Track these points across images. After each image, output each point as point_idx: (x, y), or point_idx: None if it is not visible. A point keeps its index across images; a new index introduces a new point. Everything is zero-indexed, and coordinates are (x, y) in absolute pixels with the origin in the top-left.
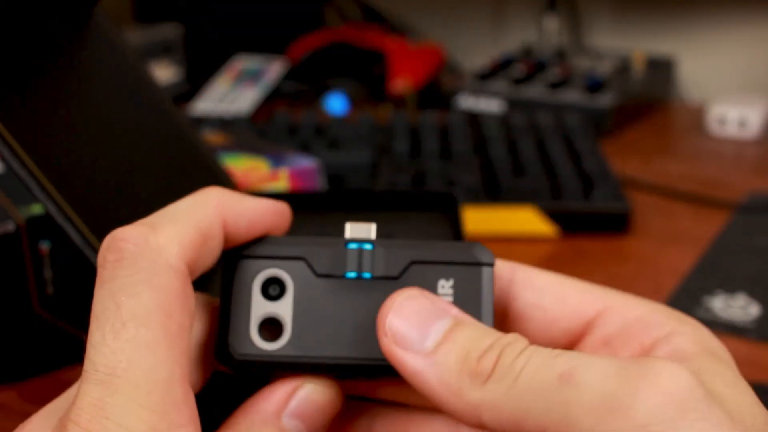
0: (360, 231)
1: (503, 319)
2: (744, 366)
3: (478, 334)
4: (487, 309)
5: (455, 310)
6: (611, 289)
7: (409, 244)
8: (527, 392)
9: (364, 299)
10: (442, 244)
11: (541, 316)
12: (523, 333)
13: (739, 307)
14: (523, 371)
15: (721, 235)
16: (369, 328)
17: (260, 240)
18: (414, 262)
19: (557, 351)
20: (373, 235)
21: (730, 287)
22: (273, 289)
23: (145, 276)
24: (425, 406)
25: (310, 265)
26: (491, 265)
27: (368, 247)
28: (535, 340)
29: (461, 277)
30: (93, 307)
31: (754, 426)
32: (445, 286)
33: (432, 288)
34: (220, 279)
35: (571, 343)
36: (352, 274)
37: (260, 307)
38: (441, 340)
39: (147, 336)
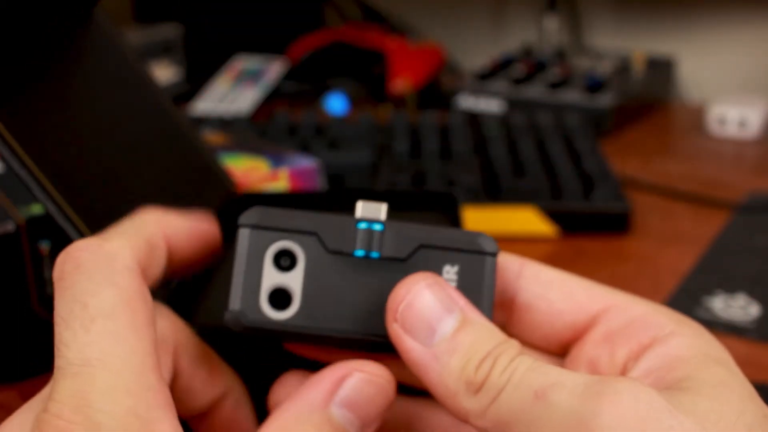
0: (371, 211)
1: (510, 309)
2: (744, 366)
3: (481, 338)
4: (487, 297)
5: (462, 302)
6: (616, 289)
7: (419, 228)
8: (508, 407)
9: (371, 278)
10: (450, 231)
11: (546, 308)
12: (528, 323)
13: (739, 307)
14: (507, 385)
15: (721, 235)
16: (373, 306)
17: (276, 211)
18: (422, 246)
19: (538, 363)
20: (383, 216)
21: (730, 287)
22: (284, 261)
23: (104, 276)
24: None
25: (321, 241)
26: (495, 255)
27: (378, 227)
28: (539, 331)
29: (466, 264)
30: (57, 312)
31: (739, 421)
32: (450, 271)
33: (437, 272)
34: (234, 246)
35: (574, 336)
36: (360, 253)
37: (271, 277)
38: (448, 339)
39: (116, 327)
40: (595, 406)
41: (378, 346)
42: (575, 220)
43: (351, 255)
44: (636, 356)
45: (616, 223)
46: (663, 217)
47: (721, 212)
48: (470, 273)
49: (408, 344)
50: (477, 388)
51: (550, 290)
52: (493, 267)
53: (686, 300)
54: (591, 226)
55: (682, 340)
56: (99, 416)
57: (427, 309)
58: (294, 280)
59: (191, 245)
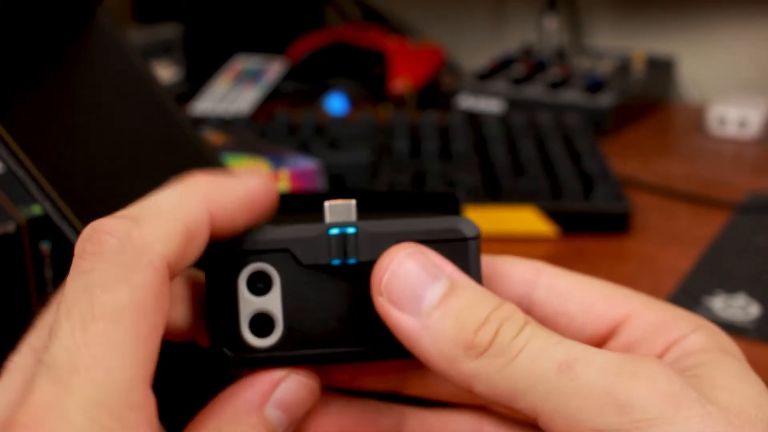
0: (340, 213)
1: None
2: None
3: (474, 301)
4: (476, 280)
5: (450, 268)
6: (635, 293)
7: (393, 223)
8: (524, 374)
9: (351, 285)
10: (426, 221)
11: (567, 324)
12: None
13: (739, 307)
14: (521, 353)
15: (721, 235)
16: (360, 315)
17: (240, 234)
18: (400, 242)
19: (557, 337)
20: (353, 217)
21: (730, 287)
22: (259, 284)
23: (123, 271)
24: (451, 399)
25: (294, 256)
26: (477, 238)
27: (351, 230)
28: None
29: (448, 252)
30: (64, 296)
31: (758, 417)
32: None
33: None
34: (205, 279)
35: (595, 346)
36: (337, 262)
37: (249, 304)
38: (436, 304)
39: (116, 335)
40: (629, 385)
41: (370, 356)
42: (575, 220)
43: (327, 265)
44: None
45: (616, 223)
46: (663, 217)
47: (721, 212)
48: (455, 261)
49: (396, 317)
50: (480, 352)
51: (568, 304)
52: (477, 250)
53: (686, 300)
54: (591, 226)
55: (697, 337)
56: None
57: (412, 277)
58: (273, 303)
59: (242, 215)
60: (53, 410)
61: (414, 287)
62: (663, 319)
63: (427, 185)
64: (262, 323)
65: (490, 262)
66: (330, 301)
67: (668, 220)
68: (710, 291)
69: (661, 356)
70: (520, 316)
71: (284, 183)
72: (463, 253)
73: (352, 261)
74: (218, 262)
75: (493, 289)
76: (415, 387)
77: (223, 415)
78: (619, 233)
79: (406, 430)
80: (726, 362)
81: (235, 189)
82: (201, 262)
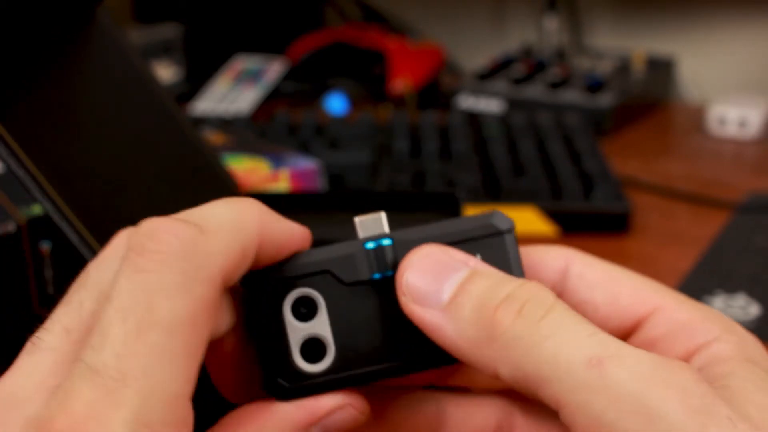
0: (372, 227)
1: None
2: None
3: (494, 282)
4: (517, 272)
5: (474, 261)
6: (665, 288)
7: (426, 228)
8: (550, 362)
9: (394, 297)
10: (459, 221)
11: (592, 314)
12: None
13: (739, 307)
14: (550, 338)
15: (721, 235)
16: (406, 326)
17: (277, 263)
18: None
19: (590, 327)
20: (386, 228)
21: (730, 287)
22: (303, 309)
23: (185, 280)
24: (491, 386)
25: (335, 276)
26: (512, 230)
27: (387, 242)
28: None
29: (486, 248)
30: (119, 294)
31: None
32: None
33: None
34: (246, 310)
35: (619, 338)
36: (378, 275)
37: (297, 330)
38: (456, 291)
39: (169, 345)
40: (661, 394)
41: (423, 364)
42: (575, 220)
43: (369, 280)
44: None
45: (616, 223)
46: (663, 217)
47: (721, 212)
48: (494, 256)
49: (419, 313)
50: (504, 330)
51: (595, 294)
52: (514, 242)
53: None
54: (591, 226)
55: (726, 345)
56: None
57: (431, 271)
58: (321, 326)
59: (278, 255)
60: (95, 422)
61: (434, 281)
62: (691, 318)
63: (427, 185)
64: (312, 348)
65: (524, 252)
66: (376, 316)
67: (668, 220)
68: (710, 291)
69: (684, 358)
70: (547, 296)
71: (284, 183)
72: (501, 247)
73: (391, 273)
74: (259, 292)
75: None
76: (452, 378)
77: (265, 426)
78: (619, 233)
79: (446, 415)
80: (757, 375)
81: (282, 224)
82: (243, 290)
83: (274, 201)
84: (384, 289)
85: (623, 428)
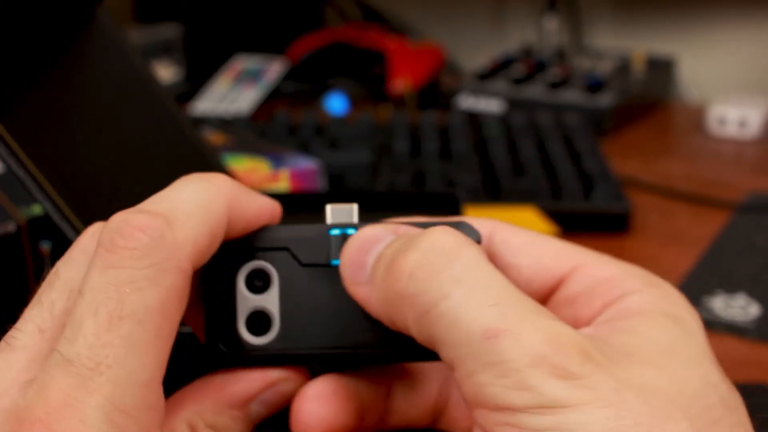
0: (342, 215)
1: None
2: (744, 366)
3: (405, 239)
4: None
5: (404, 228)
6: (589, 250)
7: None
8: (448, 328)
9: None
10: (428, 222)
11: (516, 276)
12: None
13: (739, 307)
14: (448, 300)
15: (721, 235)
16: (357, 316)
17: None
18: None
19: (492, 295)
20: (355, 218)
21: (730, 287)
22: (258, 282)
23: (154, 272)
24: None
25: (293, 255)
26: (478, 242)
27: (352, 231)
28: None
29: None
30: (91, 289)
31: (680, 394)
32: None
33: None
34: (202, 273)
35: (542, 301)
36: (336, 262)
37: (246, 301)
38: (374, 260)
39: (141, 335)
40: (543, 371)
41: (368, 358)
42: (575, 220)
43: (327, 265)
44: (596, 317)
45: (616, 223)
46: (663, 217)
47: (721, 212)
48: None
49: (352, 290)
50: (400, 288)
51: (519, 257)
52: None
53: None
54: (591, 226)
55: (642, 297)
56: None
57: (360, 249)
58: (271, 301)
59: (250, 225)
60: (71, 408)
61: (362, 256)
62: (612, 274)
63: (427, 185)
64: (259, 321)
65: (446, 222)
66: (328, 301)
67: (668, 220)
68: (710, 291)
69: (598, 313)
70: (450, 244)
71: (284, 183)
72: None
73: None
74: (217, 259)
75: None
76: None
77: (207, 401)
78: (619, 233)
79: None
80: (664, 330)
81: (251, 199)
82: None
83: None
84: (339, 276)
85: (504, 401)
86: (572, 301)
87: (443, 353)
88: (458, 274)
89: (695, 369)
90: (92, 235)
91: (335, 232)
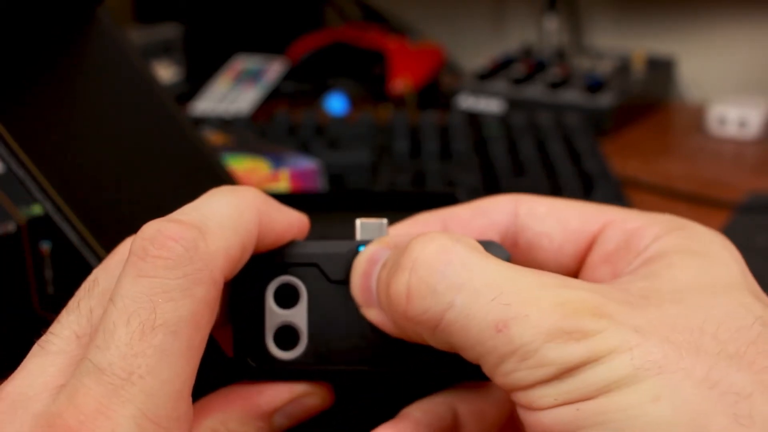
0: (372, 231)
1: (514, 252)
2: None
3: (392, 260)
4: None
5: (394, 241)
6: (612, 206)
7: None
8: (461, 334)
9: None
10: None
11: (548, 244)
12: (535, 262)
13: None
14: (452, 309)
15: None
16: (383, 335)
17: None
18: None
19: (492, 290)
20: (385, 233)
21: None
22: (287, 297)
23: (187, 283)
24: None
25: (322, 271)
26: (507, 260)
27: None
28: (547, 268)
29: None
30: (122, 296)
31: (703, 329)
32: None
33: None
34: (231, 288)
35: (578, 264)
36: None
37: (275, 316)
38: (376, 284)
39: (173, 345)
40: (561, 344)
41: (394, 376)
42: None
43: None
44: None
45: None
46: None
47: (721, 212)
48: None
49: (367, 314)
50: (403, 311)
51: (547, 224)
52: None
53: None
54: None
55: (665, 241)
56: None
57: (365, 272)
58: (299, 316)
59: (277, 243)
60: (104, 417)
61: (367, 279)
62: (640, 225)
63: (427, 185)
64: (287, 336)
65: (471, 205)
66: (355, 318)
67: None
68: None
69: (633, 260)
70: (435, 253)
71: (284, 183)
72: None
73: None
74: (247, 273)
75: (479, 226)
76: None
77: (233, 410)
78: None
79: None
80: (685, 267)
81: (280, 213)
82: None
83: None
84: None
85: (533, 380)
86: (608, 258)
87: (466, 355)
88: (453, 281)
89: (722, 296)
90: (130, 243)
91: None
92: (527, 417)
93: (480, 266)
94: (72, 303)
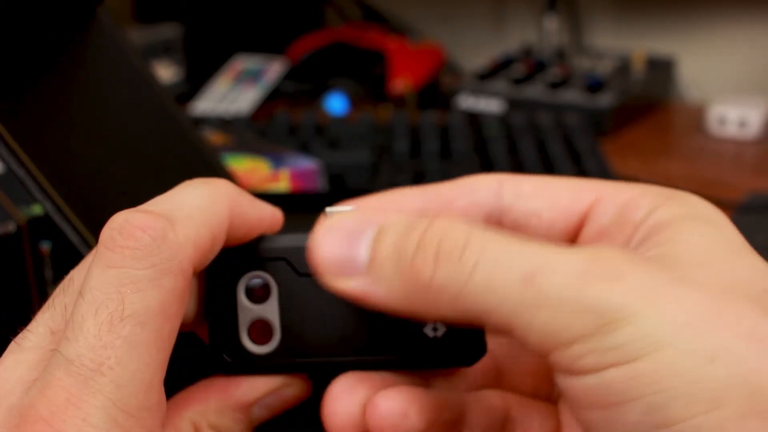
0: None
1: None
2: None
3: (403, 231)
4: None
5: (380, 216)
6: (601, 180)
7: None
8: (487, 290)
9: None
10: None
11: (537, 223)
12: None
13: None
14: (476, 271)
15: None
16: (356, 324)
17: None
18: None
19: (517, 243)
20: None
21: None
22: (258, 292)
23: (155, 273)
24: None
25: (291, 265)
26: None
27: None
28: None
29: None
30: (90, 287)
31: (740, 288)
32: None
33: None
34: (204, 286)
35: (570, 241)
36: None
37: (247, 311)
38: (372, 252)
39: (141, 336)
40: (598, 289)
41: (369, 364)
42: None
43: None
44: (630, 241)
45: None
46: None
47: None
48: None
49: (343, 285)
50: (428, 279)
51: (535, 202)
52: None
53: None
54: None
55: (667, 209)
56: (88, 431)
57: (341, 241)
58: (271, 310)
59: (248, 236)
60: (74, 407)
61: (347, 249)
62: (631, 196)
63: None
64: (260, 330)
65: (453, 185)
66: (327, 310)
67: None
68: None
69: (631, 237)
70: (460, 229)
71: (284, 183)
72: None
73: None
74: (218, 270)
75: (461, 207)
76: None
77: (211, 402)
78: None
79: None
80: (696, 232)
81: (252, 205)
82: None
83: (274, 201)
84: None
85: (574, 332)
86: (603, 233)
87: (493, 320)
88: (477, 248)
89: (739, 260)
90: None
91: None
92: (569, 386)
93: (503, 234)
94: (48, 301)
